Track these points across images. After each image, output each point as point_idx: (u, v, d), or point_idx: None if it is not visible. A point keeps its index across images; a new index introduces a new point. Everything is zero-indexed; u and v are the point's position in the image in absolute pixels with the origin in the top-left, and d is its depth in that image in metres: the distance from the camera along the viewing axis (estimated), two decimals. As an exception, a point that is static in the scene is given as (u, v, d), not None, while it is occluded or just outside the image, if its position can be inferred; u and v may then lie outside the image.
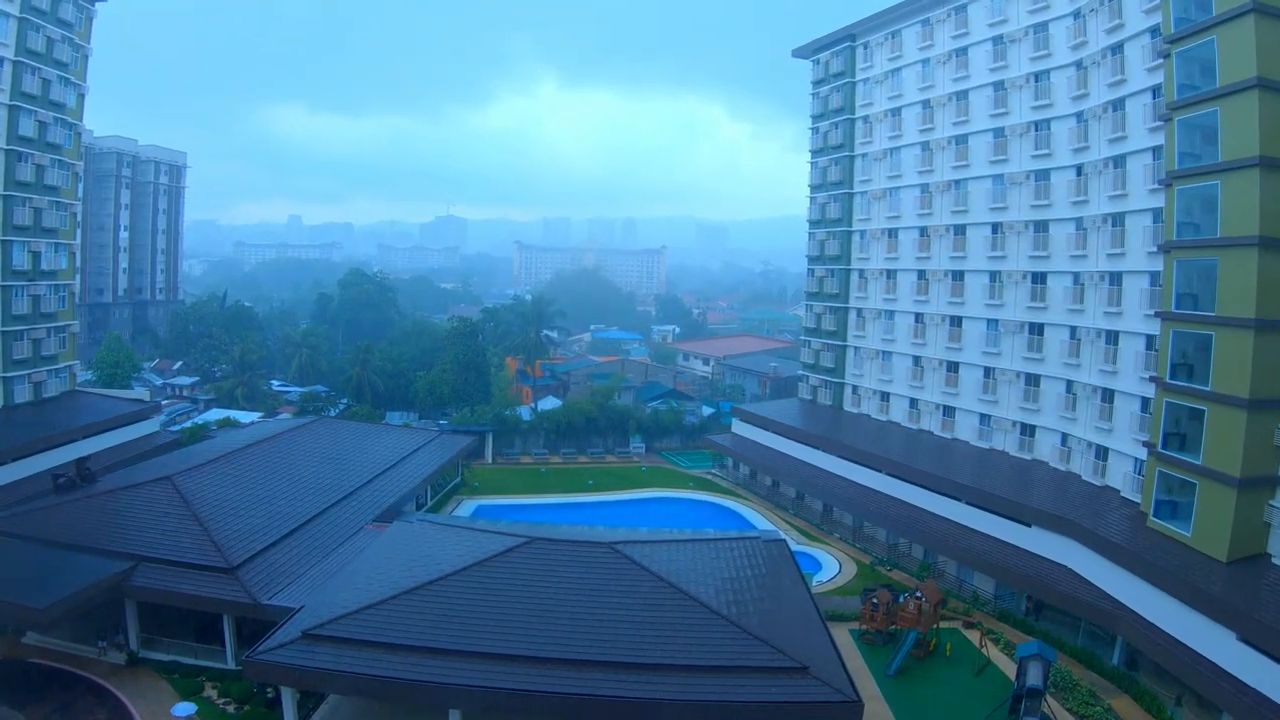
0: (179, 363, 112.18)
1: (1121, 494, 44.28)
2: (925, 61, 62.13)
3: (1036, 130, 53.01)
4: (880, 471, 56.89)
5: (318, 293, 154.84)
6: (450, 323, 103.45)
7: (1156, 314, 41.24)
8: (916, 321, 63.18)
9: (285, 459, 52.44)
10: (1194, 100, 38.00)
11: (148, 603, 37.40)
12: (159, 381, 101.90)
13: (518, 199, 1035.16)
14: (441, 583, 34.11)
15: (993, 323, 56.29)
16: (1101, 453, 46.94)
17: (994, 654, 40.27)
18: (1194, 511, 37.07)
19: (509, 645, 30.81)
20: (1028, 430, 53.69)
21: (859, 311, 69.72)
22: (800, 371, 78.84)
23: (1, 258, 56.39)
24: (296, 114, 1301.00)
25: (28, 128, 57.34)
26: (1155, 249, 42.38)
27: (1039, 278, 52.85)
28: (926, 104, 61.87)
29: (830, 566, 53.33)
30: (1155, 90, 43.09)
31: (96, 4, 64.26)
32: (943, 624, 42.27)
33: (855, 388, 70.13)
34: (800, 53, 76.45)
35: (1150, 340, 43.15)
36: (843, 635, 41.31)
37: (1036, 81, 52.94)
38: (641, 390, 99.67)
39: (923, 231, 62.41)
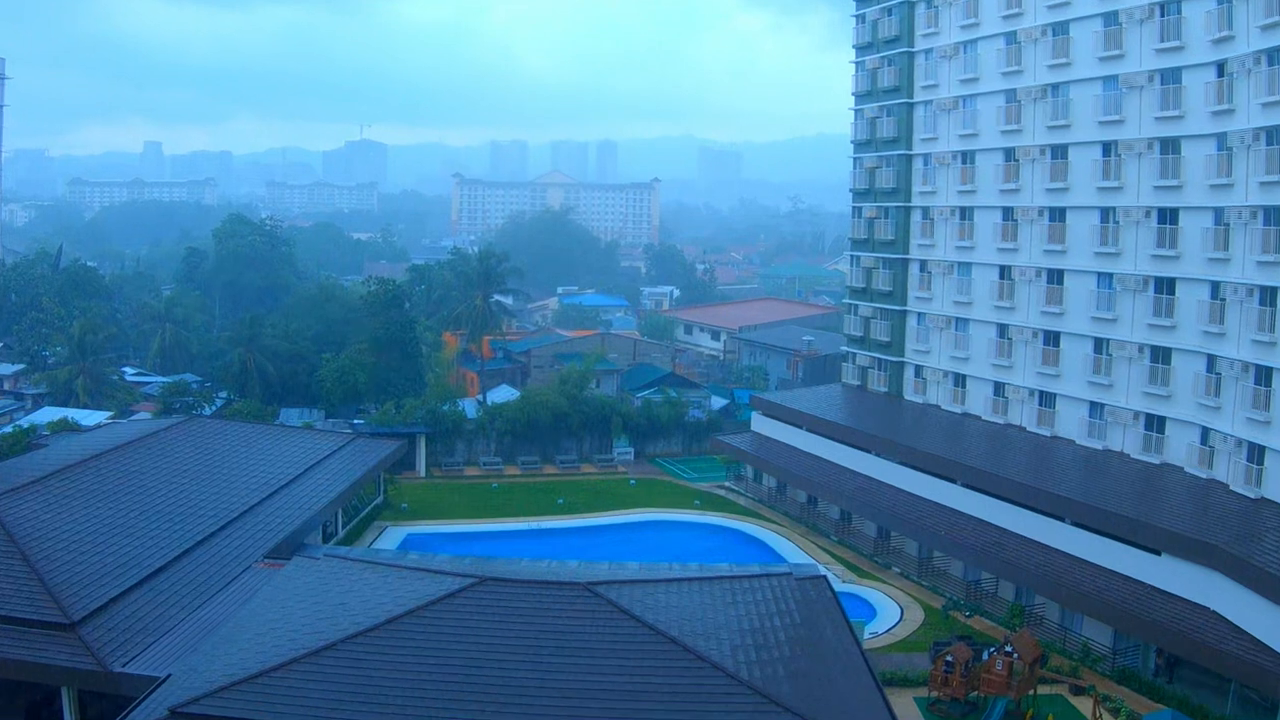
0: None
1: (1282, 509, 44.42)
2: (1012, -79, 61.74)
3: (1163, 15, 52.61)
4: (955, 482, 57.08)
5: (185, 247, 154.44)
6: (367, 286, 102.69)
7: (1328, 263, 41.18)
8: (1001, 277, 63.15)
9: (145, 475, 52.10)
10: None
11: (-43, 673, 37.08)
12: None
13: (455, 117, 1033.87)
14: (359, 640, 33.84)
15: (1105, 277, 56.25)
16: (1255, 453, 46.94)
17: (1110, 727, 40.43)
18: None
19: (452, 725, 30.60)
20: (1154, 424, 53.73)
21: (923, 265, 69.68)
22: (844, 348, 78.87)
23: None
24: (151, 3, 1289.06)
25: None
26: (1326, 175, 42.31)
27: (1168, 215, 52.72)
28: (1013, -21, 61.54)
29: (888, 612, 53.55)
30: (1325, -43, 42.88)
31: None
32: (1042, 688, 42.33)
33: (919, 369, 70.18)
34: (841, -89, 75.97)
35: (1320, 299, 43.17)
36: (905, 705, 41.39)
37: (1163, -53, 52.69)
38: (629, 375, 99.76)
39: (1008, 154, 62.26)
